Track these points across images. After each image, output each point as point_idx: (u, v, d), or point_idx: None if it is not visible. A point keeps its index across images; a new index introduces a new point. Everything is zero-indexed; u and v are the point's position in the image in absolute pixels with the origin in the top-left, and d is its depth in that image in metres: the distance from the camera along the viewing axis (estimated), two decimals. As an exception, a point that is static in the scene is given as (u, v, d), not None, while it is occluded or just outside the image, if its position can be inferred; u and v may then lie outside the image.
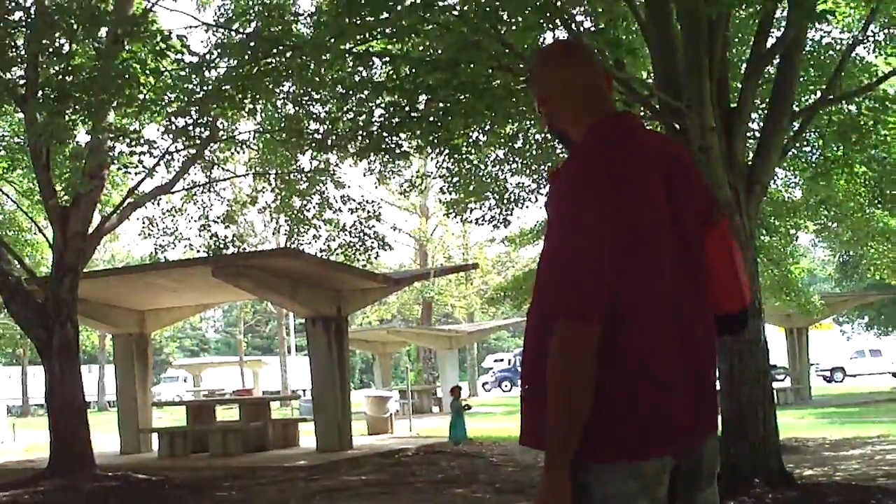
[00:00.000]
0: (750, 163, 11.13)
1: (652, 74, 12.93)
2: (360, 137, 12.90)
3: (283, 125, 16.75)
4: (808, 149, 16.97)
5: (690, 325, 2.96)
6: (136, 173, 16.27)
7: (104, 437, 22.71)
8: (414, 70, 11.71)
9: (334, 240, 19.23)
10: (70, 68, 13.69)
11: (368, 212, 19.09)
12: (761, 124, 12.43)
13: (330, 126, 14.49)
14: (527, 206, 20.62)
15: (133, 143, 14.30)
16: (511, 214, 19.11)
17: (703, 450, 3.04)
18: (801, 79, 11.48)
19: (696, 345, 2.99)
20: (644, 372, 2.80)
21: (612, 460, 2.78)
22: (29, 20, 13.79)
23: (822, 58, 15.08)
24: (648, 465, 2.80)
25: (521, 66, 10.81)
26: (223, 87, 13.03)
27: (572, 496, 2.75)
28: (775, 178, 18.21)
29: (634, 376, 2.79)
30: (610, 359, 2.75)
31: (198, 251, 19.55)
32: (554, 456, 2.77)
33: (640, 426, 2.79)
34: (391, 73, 12.93)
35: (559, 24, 11.60)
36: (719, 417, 2.95)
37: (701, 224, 3.09)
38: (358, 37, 11.70)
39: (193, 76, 14.53)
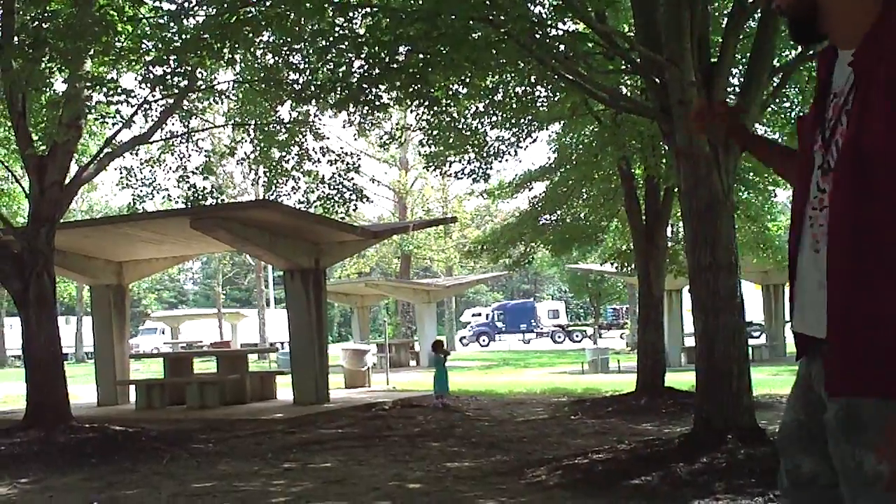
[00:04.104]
0: (730, 118, 11.09)
1: (633, 28, 12.88)
2: (339, 89, 12.81)
3: (262, 75, 16.62)
4: (787, 105, 16.96)
5: None
6: (113, 123, 16.12)
7: (81, 388, 22.74)
8: (394, 21, 11.62)
9: (313, 192, 19.14)
10: (46, 14, 13.51)
11: (347, 164, 19.00)
12: (741, 79, 12.40)
13: (309, 77, 14.39)
14: (506, 160, 20.56)
15: (110, 92, 14.15)
16: (490, 168, 19.13)
17: None
18: (782, 34, 11.43)
19: None
20: None
21: None
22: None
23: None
24: None
25: (502, 17, 10.74)
26: (202, 36, 12.89)
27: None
28: (754, 133, 18.19)
29: None
30: None
31: (176, 202, 19.48)
32: None
33: None
34: (370, 23, 12.83)
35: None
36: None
37: None
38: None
39: (171, 24, 14.38)
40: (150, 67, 14.48)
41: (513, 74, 14.73)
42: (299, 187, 19.25)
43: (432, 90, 13.07)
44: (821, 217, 2.61)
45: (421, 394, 20.24)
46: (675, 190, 14.43)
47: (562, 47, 11.95)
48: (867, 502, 2.48)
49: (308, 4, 11.34)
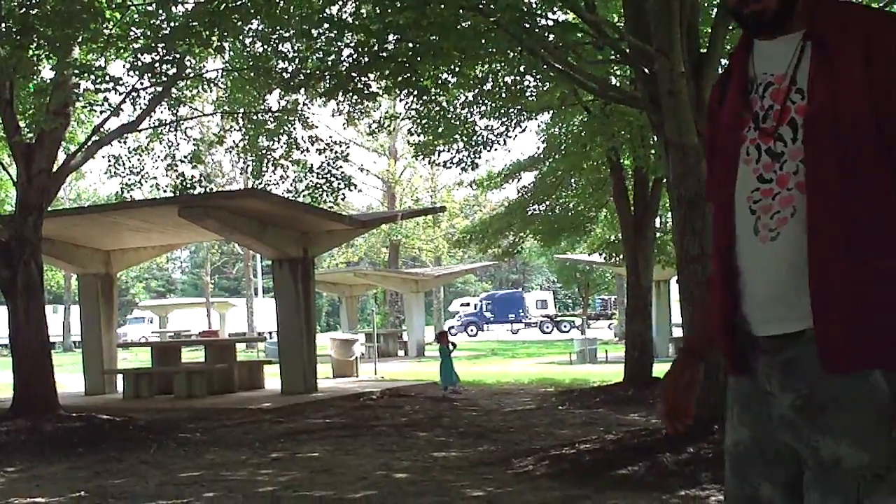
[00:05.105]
0: (719, 108, 11.09)
1: (622, 17, 12.86)
2: (328, 77, 12.78)
3: (251, 63, 16.58)
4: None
5: None
6: (101, 111, 16.06)
7: (69, 377, 22.70)
8: (382, 9, 11.59)
9: (301, 181, 19.10)
10: (34, 1, 13.44)
11: (336, 153, 18.95)
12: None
13: (298, 65, 14.36)
14: (495, 150, 20.55)
15: (98, 79, 14.10)
16: (479, 158, 19.10)
17: None
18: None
19: None
20: None
21: None
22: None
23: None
24: None
25: (491, 6, 10.72)
26: (190, 24, 12.85)
27: None
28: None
29: None
30: None
31: (164, 191, 19.41)
32: None
33: None
34: (358, 11, 12.82)
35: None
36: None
37: None
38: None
39: (160, 11, 14.33)
40: (139, 55, 14.42)
41: (502, 64, 14.70)
42: (288, 176, 19.22)
43: (421, 79, 13.04)
44: (774, 205, 2.50)
45: (409, 384, 20.23)
46: (664, 180, 14.44)
47: (551, 37, 11.93)
48: (824, 489, 2.41)
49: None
